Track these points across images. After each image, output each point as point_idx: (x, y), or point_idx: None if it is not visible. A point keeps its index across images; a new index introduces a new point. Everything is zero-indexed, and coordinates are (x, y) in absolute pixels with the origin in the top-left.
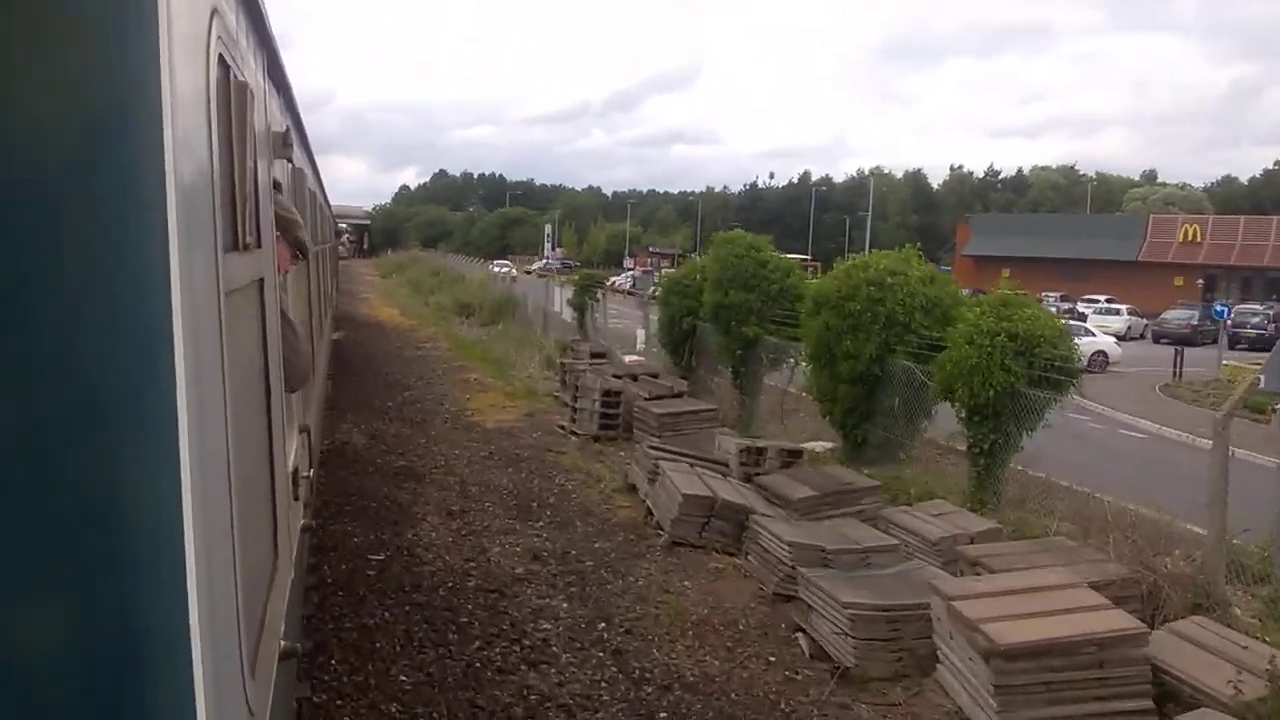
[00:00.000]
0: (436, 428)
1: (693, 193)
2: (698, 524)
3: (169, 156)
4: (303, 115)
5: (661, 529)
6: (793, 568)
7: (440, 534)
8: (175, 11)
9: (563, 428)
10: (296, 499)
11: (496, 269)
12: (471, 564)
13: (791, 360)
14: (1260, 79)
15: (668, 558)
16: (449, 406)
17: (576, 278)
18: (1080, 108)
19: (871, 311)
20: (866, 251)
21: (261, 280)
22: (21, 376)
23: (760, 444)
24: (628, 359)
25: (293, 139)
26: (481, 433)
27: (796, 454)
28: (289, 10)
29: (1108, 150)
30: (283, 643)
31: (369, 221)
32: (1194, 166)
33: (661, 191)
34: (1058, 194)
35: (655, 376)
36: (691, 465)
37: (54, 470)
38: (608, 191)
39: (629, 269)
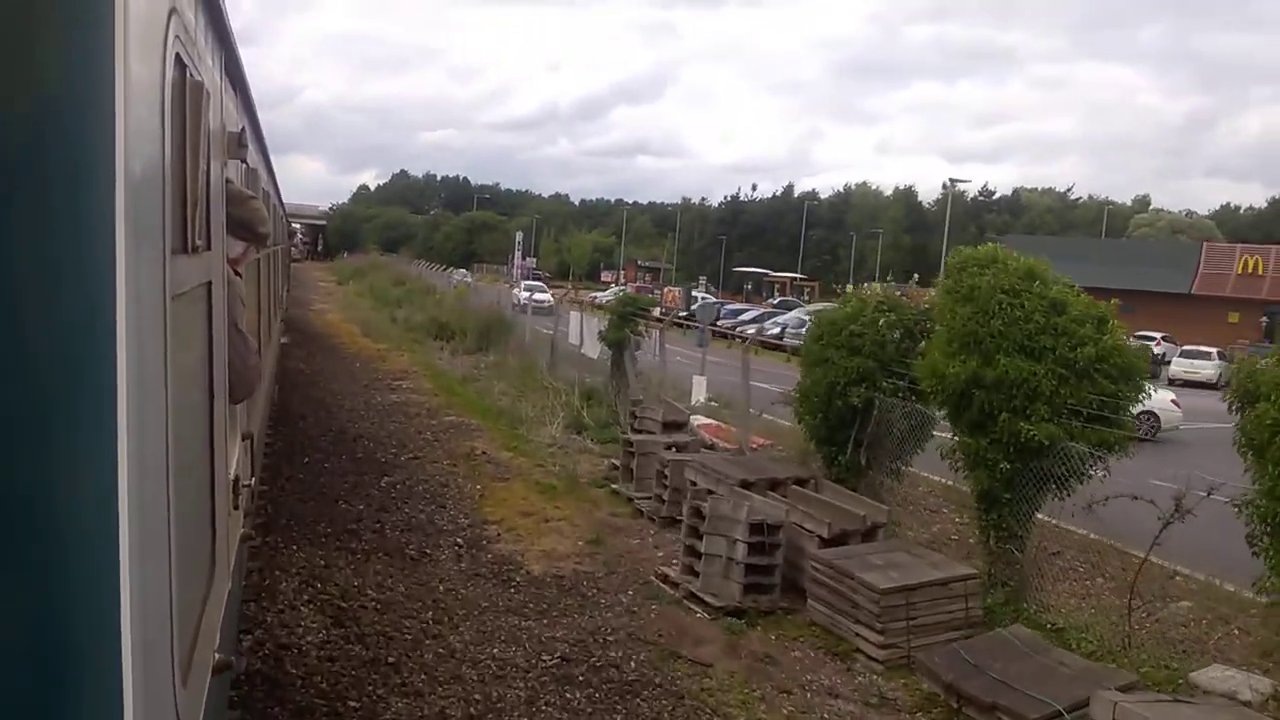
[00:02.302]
0: (446, 574)
1: (663, 203)
2: None
3: (119, 155)
4: (264, 113)
5: None
6: None
7: None
8: (131, 10)
9: (668, 580)
10: (236, 508)
11: (526, 295)
12: None
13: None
14: (1214, 111)
15: None
16: (457, 515)
17: (612, 302)
18: (1036, 134)
19: None
20: (876, 272)
21: (210, 284)
22: None
23: None
24: (697, 423)
25: (248, 139)
26: (528, 589)
27: None
28: (256, 3)
29: (1062, 177)
30: (218, 655)
31: (324, 222)
32: (1156, 197)
33: (630, 201)
34: (1054, 217)
35: (809, 484)
36: None
37: None
38: (574, 199)
39: (610, 283)
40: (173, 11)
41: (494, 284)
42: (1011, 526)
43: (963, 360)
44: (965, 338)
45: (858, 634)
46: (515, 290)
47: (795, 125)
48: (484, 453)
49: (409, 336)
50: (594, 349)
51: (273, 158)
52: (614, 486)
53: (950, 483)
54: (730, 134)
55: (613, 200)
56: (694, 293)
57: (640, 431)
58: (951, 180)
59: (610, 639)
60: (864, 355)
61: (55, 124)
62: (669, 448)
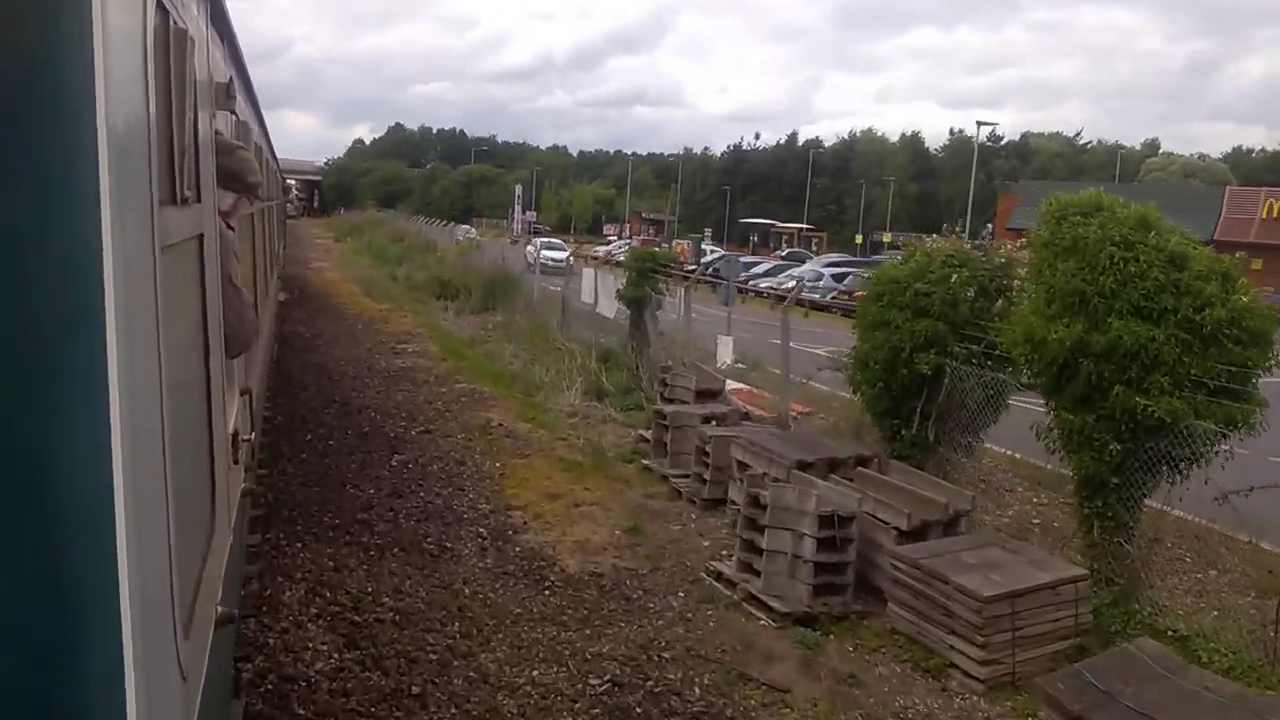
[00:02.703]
0: (470, 573)
1: (663, 154)
2: None
3: (100, 105)
4: (255, 67)
5: None
6: None
7: None
8: None
9: (723, 578)
10: (236, 462)
11: (540, 252)
12: None
13: None
14: (1217, 54)
15: None
16: (477, 499)
17: (628, 259)
18: (1036, 79)
19: None
20: (887, 220)
21: (201, 236)
22: None
23: None
24: (728, 388)
25: (236, 90)
26: (564, 591)
27: None
28: None
29: (1064, 122)
30: (220, 608)
31: (320, 178)
32: (1160, 141)
33: (629, 152)
34: (1064, 162)
35: (872, 463)
36: None
37: None
38: (572, 151)
39: (612, 236)
40: None
41: (498, 240)
42: (1120, 515)
43: (1066, 324)
44: (1069, 297)
45: (952, 646)
46: (527, 248)
47: (794, 74)
48: (500, 424)
49: (411, 296)
50: (610, 308)
51: (265, 112)
52: (645, 462)
53: (1018, 455)
54: (728, 83)
55: (612, 151)
56: (703, 245)
57: (671, 400)
58: (979, 123)
59: (666, 655)
60: (933, 317)
61: (33, 71)
62: (706, 420)
